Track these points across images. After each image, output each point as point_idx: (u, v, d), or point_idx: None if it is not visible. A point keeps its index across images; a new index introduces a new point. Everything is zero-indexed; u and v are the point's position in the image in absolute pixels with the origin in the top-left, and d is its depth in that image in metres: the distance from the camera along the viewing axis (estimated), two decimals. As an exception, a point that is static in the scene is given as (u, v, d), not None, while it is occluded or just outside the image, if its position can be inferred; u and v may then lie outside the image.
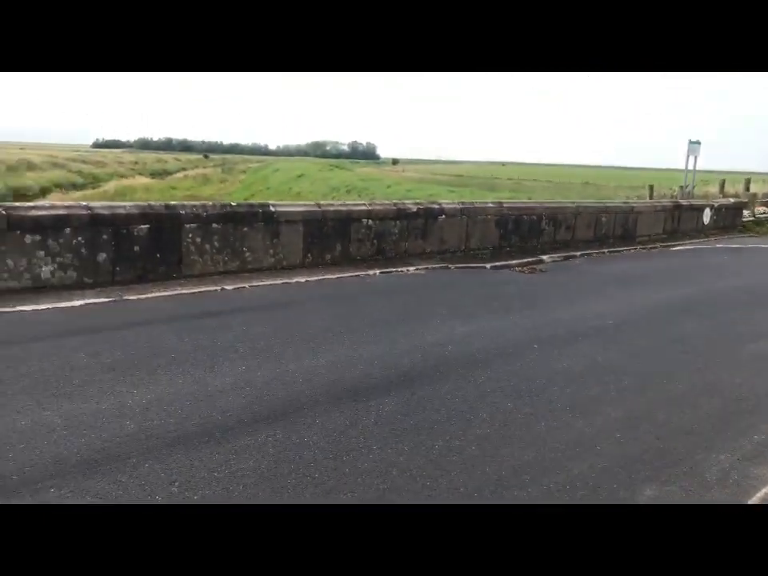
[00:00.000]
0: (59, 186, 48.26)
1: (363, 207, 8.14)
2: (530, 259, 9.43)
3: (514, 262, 9.14)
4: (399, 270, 7.89)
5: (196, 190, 47.18)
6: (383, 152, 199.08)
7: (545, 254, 9.97)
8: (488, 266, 8.80)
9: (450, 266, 8.48)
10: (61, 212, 5.72)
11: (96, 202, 6.18)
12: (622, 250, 11.29)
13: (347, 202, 8.53)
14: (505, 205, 10.11)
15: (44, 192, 45.75)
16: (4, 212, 5.39)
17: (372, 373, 4.10)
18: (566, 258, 9.99)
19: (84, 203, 5.98)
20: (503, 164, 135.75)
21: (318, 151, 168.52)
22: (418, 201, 9.30)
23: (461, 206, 9.37)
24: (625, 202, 13.72)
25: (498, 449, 3.16)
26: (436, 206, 8.95)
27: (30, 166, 59.97)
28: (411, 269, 8.01)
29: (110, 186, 46.89)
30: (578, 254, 10.39)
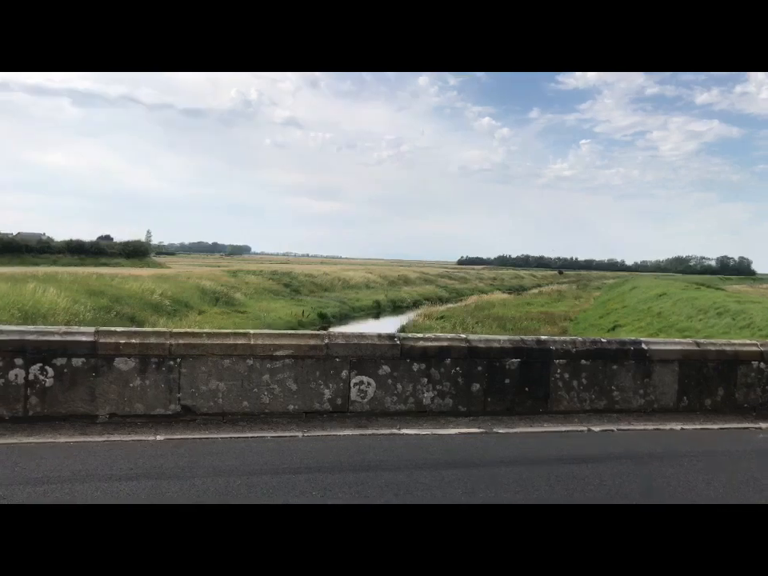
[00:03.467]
0: (428, 299, 53.84)
1: (753, 348, 7.16)
2: None
3: None
4: (801, 425, 6.61)
5: (550, 306, 47.95)
6: (760, 267, 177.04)
7: None
8: None
9: None
10: (444, 344, 6.27)
11: (473, 335, 6.64)
12: None
13: (732, 341, 7.62)
14: None
15: (415, 304, 51.70)
16: (398, 342, 6.13)
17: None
18: None
19: (463, 336, 6.48)
20: None
21: (679, 267, 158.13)
22: (824, 342, 7.82)
23: None
24: None
25: None
26: None
27: (407, 281, 68.78)
28: (818, 425, 6.64)
29: (471, 300, 50.67)
30: None
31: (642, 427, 6.27)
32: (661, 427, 6.29)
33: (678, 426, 6.34)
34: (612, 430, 6.09)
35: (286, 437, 5.31)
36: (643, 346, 6.85)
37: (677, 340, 7.91)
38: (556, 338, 6.88)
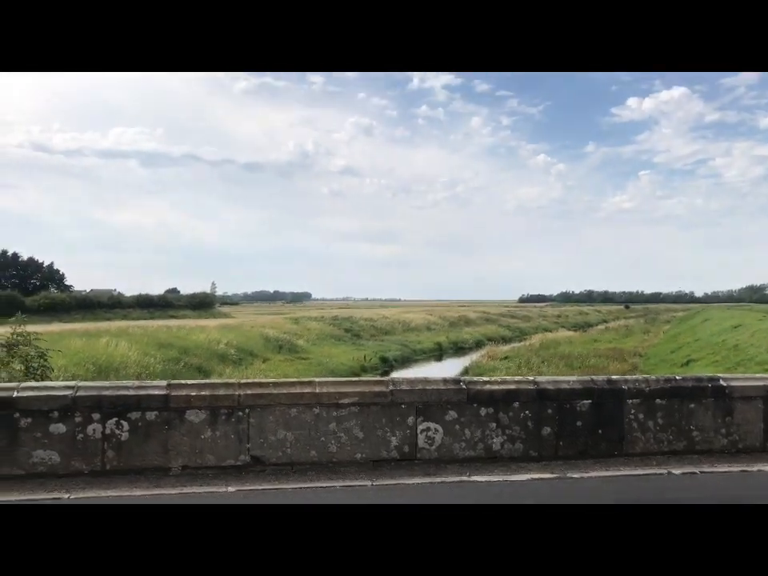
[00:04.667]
0: (491, 339, 53.10)
1: (844, 381, 6.71)
2: None
3: None
4: None
5: (618, 343, 46.50)
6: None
7: None
8: None
9: None
10: (511, 387, 6.14)
11: (541, 377, 6.48)
12: None
13: (819, 375, 7.18)
14: None
15: (477, 344, 51.06)
16: (464, 386, 6.05)
17: None
18: None
19: (531, 378, 6.34)
20: None
21: (754, 296, 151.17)
22: None
23: None
24: None
25: None
26: None
27: (467, 322, 68.14)
28: None
29: (535, 339, 49.63)
30: None
31: (727, 469, 5.93)
32: (747, 469, 5.93)
33: (766, 467, 5.97)
34: (695, 473, 5.78)
35: (355, 486, 5.27)
36: (722, 382, 6.53)
37: (759, 375, 7.52)
38: (627, 377, 6.65)
